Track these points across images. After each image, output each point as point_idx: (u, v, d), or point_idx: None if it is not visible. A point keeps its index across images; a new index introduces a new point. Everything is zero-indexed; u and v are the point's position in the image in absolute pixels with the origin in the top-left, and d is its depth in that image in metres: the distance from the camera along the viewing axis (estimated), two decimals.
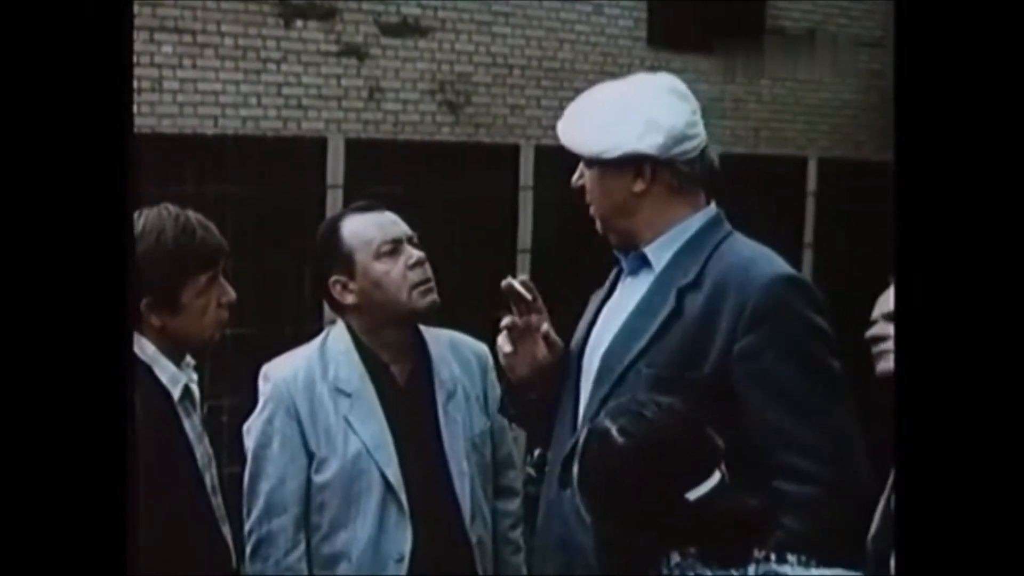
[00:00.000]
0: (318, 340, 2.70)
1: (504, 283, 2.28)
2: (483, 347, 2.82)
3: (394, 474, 2.57)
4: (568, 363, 2.28)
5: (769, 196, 8.40)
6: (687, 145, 2.16)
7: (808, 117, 9.46)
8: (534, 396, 2.34)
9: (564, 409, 2.26)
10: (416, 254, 2.64)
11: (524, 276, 2.31)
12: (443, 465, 2.64)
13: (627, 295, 2.24)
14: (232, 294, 2.31)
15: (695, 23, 8.30)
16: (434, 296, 2.65)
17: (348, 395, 2.61)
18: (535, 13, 7.94)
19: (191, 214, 2.27)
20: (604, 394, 2.12)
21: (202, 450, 2.33)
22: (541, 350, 2.28)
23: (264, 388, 2.64)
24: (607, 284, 2.35)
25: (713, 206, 2.23)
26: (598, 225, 2.27)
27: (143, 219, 2.20)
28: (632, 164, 2.17)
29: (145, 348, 2.21)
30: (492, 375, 2.79)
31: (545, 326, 2.28)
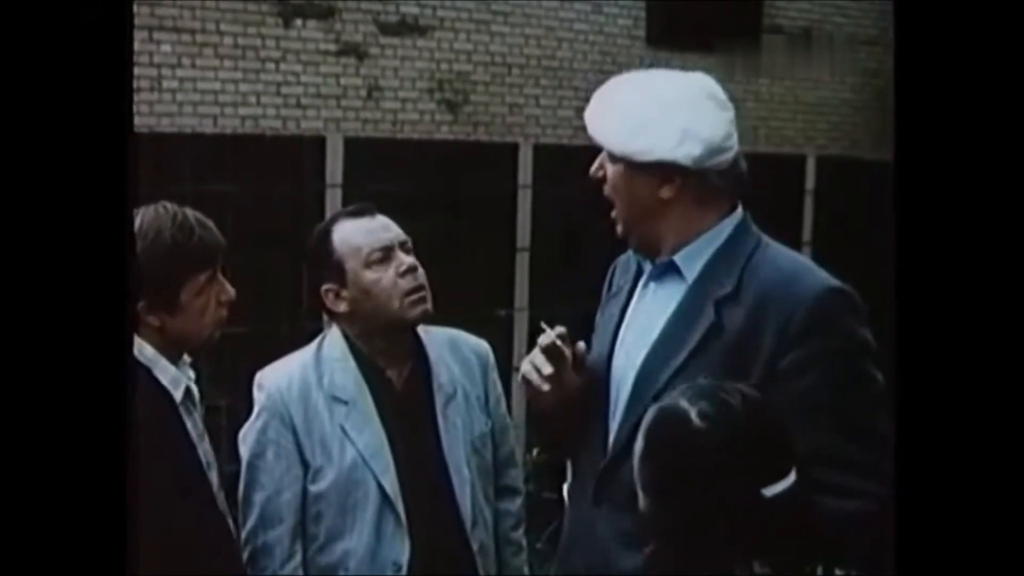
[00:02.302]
0: (313, 346, 2.65)
1: (546, 343, 2.13)
2: (484, 345, 2.78)
3: (390, 483, 2.53)
4: (593, 373, 2.18)
5: (767, 194, 8.40)
6: (721, 157, 2.08)
7: (806, 115, 9.47)
8: (561, 425, 2.23)
9: (592, 423, 2.15)
10: (407, 261, 2.57)
11: (561, 328, 2.15)
12: (443, 471, 2.59)
13: (655, 304, 2.13)
14: (231, 292, 2.27)
15: (693, 22, 8.31)
16: (426, 305, 2.58)
17: (344, 403, 2.56)
18: (534, 11, 7.94)
19: (189, 212, 2.23)
20: (643, 410, 1.96)
21: (204, 449, 2.30)
22: (570, 377, 2.16)
23: (258, 397, 2.59)
24: (625, 288, 2.23)
25: (740, 211, 2.14)
26: (619, 229, 2.16)
27: (140, 218, 2.16)
28: (662, 170, 2.07)
29: (144, 350, 2.18)
30: (494, 374, 2.75)
31: (577, 351, 2.16)
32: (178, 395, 2.23)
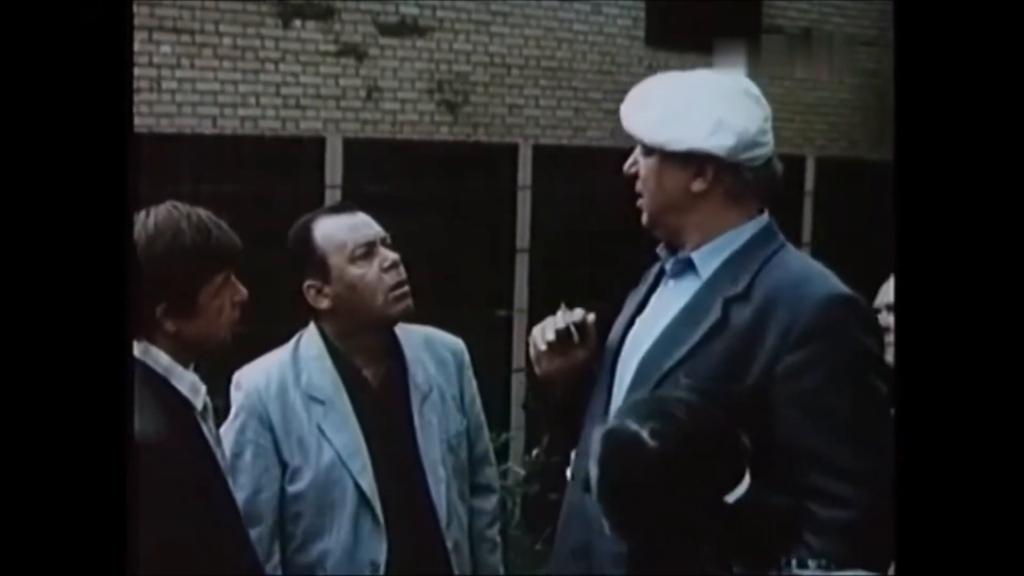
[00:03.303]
0: (290, 345, 2.65)
1: (561, 328, 2.20)
2: (459, 343, 2.78)
3: (368, 483, 2.54)
4: (602, 363, 2.22)
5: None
6: (756, 152, 2.08)
7: (805, 116, 9.47)
8: (559, 394, 2.28)
9: (595, 411, 2.18)
10: (391, 256, 2.58)
11: (579, 313, 2.21)
12: (419, 470, 2.60)
13: (669, 299, 2.16)
14: (244, 293, 2.21)
15: (692, 22, 8.31)
16: (408, 302, 2.59)
17: (321, 402, 2.56)
18: (533, 12, 7.94)
19: (202, 212, 2.17)
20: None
21: (220, 453, 2.28)
22: (576, 351, 2.22)
23: (236, 396, 2.59)
24: (647, 284, 2.26)
25: (766, 215, 2.16)
26: (644, 218, 2.17)
27: (153, 219, 2.11)
28: (695, 162, 2.07)
29: (159, 359, 2.11)
30: (468, 371, 2.77)
31: (587, 322, 2.22)
32: (199, 403, 2.17)
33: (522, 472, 6.09)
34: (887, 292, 2.43)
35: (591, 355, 2.24)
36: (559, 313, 2.22)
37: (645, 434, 1.70)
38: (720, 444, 1.73)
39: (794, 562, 1.75)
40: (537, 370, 2.27)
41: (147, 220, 2.11)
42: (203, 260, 2.14)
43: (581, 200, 7.12)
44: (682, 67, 2.24)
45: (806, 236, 9.47)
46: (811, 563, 1.76)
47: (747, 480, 1.71)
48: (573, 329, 2.19)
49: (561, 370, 2.24)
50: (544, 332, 2.21)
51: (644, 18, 8.41)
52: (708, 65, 8.06)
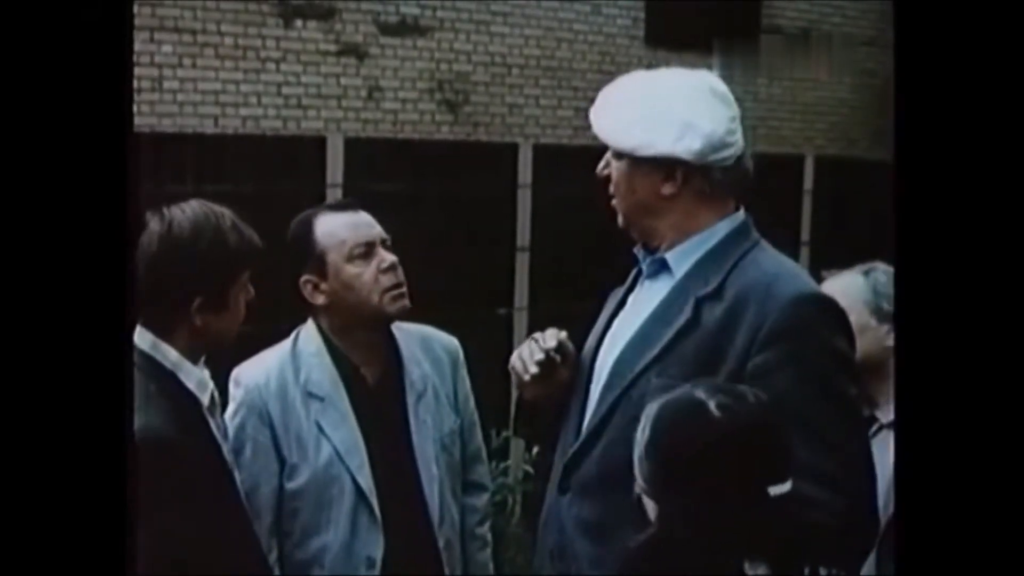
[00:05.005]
0: (288, 341, 2.66)
1: (540, 359, 2.18)
2: (454, 342, 2.79)
3: (365, 480, 2.55)
4: (580, 364, 2.21)
5: (765, 195, 8.39)
6: (724, 152, 2.06)
7: (804, 116, 9.47)
8: (549, 412, 2.26)
9: (571, 412, 2.18)
10: (389, 258, 2.59)
11: (557, 341, 2.19)
12: (412, 469, 2.61)
13: (644, 300, 2.15)
14: (251, 291, 2.25)
15: (692, 22, 8.32)
16: (405, 301, 2.60)
17: (320, 399, 2.57)
18: (533, 12, 7.94)
19: (228, 211, 2.21)
20: (613, 400, 2.05)
21: (227, 447, 2.30)
22: (560, 372, 2.21)
23: (235, 393, 2.59)
24: (626, 285, 2.26)
25: (741, 213, 2.14)
26: (620, 220, 2.17)
27: (190, 215, 2.15)
28: (664, 166, 2.06)
29: (168, 354, 2.14)
30: (463, 370, 2.78)
31: (570, 352, 2.21)
32: (205, 399, 2.20)
33: (523, 470, 6.10)
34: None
35: (574, 369, 2.22)
36: (533, 343, 2.20)
37: (712, 404, 1.71)
38: (776, 439, 1.74)
39: (806, 571, 1.74)
40: (526, 396, 2.26)
41: (182, 216, 2.14)
42: (240, 257, 2.19)
43: (581, 199, 7.11)
44: (682, 67, 2.23)
45: (805, 235, 9.47)
46: (823, 572, 1.75)
47: (788, 484, 1.71)
48: (553, 355, 2.17)
49: (549, 392, 2.22)
50: (526, 365, 2.19)
51: (644, 18, 8.41)
52: (707, 65, 8.07)
